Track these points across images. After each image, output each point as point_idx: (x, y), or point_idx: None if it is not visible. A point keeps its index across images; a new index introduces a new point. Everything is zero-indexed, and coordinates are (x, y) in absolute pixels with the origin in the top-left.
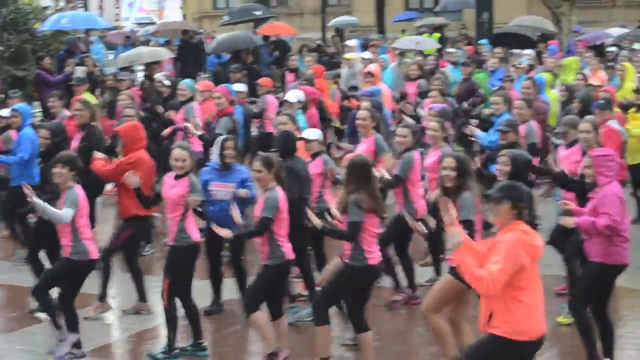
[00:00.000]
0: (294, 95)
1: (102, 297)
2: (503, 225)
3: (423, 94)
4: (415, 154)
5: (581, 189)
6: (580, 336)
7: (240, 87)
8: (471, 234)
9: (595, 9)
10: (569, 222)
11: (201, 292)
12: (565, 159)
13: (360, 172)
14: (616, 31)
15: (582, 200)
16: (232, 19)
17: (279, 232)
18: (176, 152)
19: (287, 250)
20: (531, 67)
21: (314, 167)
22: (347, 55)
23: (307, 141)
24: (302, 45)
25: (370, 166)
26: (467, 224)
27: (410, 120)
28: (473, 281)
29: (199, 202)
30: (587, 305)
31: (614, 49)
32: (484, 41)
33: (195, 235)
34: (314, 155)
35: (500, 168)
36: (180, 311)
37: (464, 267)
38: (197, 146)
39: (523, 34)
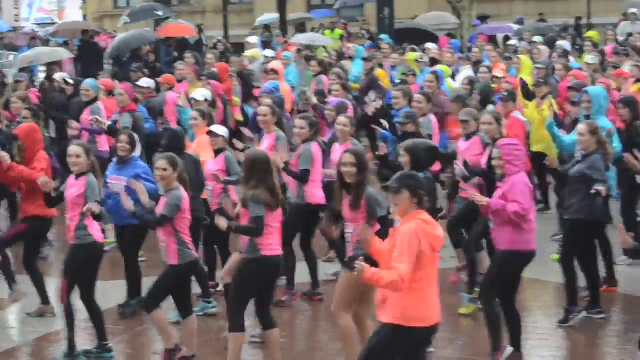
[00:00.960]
0: (201, 93)
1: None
2: (404, 215)
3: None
4: (314, 145)
5: (487, 179)
6: (487, 326)
7: (147, 82)
8: (387, 230)
9: (496, 3)
10: (482, 199)
11: (105, 293)
12: (466, 152)
13: (259, 168)
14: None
15: (490, 191)
16: (134, 20)
17: (184, 232)
18: (71, 148)
19: (193, 249)
20: (433, 62)
21: (217, 164)
22: (248, 53)
23: (214, 135)
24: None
25: (269, 161)
26: (382, 220)
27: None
28: (386, 287)
29: (96, 211)
30: (497, 295)
31: (514, 42)
32: (384, 36)
33: (97, 235)
34: (218, 152)
35: (401, 160)
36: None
37: (375, 282)
38: (104, 145)
39: (424, 30)
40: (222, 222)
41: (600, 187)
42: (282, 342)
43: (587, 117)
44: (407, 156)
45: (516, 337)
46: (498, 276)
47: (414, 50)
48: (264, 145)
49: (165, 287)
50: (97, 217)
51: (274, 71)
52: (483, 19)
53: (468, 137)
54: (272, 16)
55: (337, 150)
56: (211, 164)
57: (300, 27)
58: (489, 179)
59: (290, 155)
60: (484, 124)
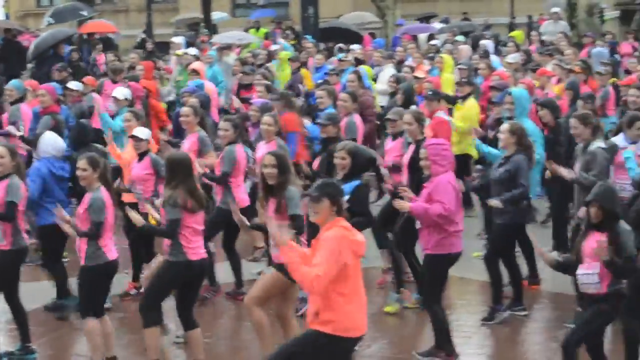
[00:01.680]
0: (121, 92)
1: None
2: (324, 223)
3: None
4: (238, 147)
5: (412, 179)
6: (434, 330)
7: (75, 85)
8: (300, 229)
9: (420, 3)
10: (404, 205)
11: (30, 294)
12: (390, 152)
13: (179, 170)
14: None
15: (416, 192)
16: (58, 20)
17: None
18: None
19: (109, 250)
20: (357, 61)
21: (142, 167)
22: (177, 52)
23: (137, 140)
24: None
25: (189, 163)
26: (296, 219)
27: None
28: (299, 279)
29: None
30: (439, 299)
31: (436, 41)
32: (308, 37)
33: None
34: (143, 155)
35: (339, 162)
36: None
37: (290, 265)
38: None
39: (349, 29)
40: (137, 220)
41: (493, 202)
42: (205, 342)
43: (510, 118)
44: (347, 158)
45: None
46: (433, 280)
47: (341, 49)
48: (186, 146)
49: (88, 291)
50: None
51: (195, 71)
52: (427, 18)
53: (394, 137)
54: (218, 15)
55: (261, 149)
56: (137, 168)
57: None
58: (414, 180)
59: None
60: (405, 123)
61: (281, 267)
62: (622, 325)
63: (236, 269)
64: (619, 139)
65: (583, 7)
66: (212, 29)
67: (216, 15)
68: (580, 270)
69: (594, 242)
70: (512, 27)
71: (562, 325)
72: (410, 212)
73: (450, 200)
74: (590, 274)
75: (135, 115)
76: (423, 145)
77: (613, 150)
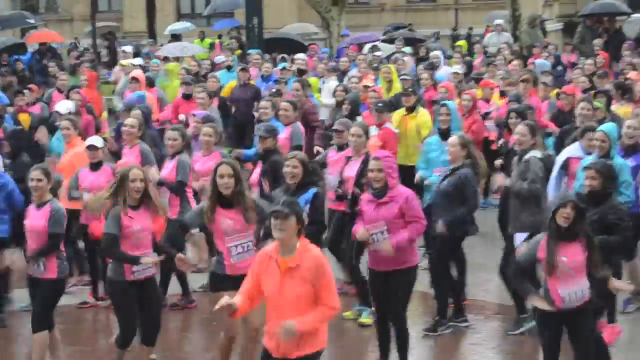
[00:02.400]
0: (64, 105)
1: None
2: (289, 241)
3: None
4: (187, 156)
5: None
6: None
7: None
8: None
9: (365, 14)
10: (387, 249)
11: None
12: (335, 163)
13: (119, 182)
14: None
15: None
16: (4, 26)
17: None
18: None
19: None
20: (301, 71)
21: (104, 176)
22: (123, 62)
23: (93, 149)
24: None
25: (126, 177)
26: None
27: None
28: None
29: None
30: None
31: (380, 52)
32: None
33: None
34: (98, 164)
35: (290, 171)
36: None
37: (309, 329)
38: None
39: (293, 40)
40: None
41: (440, 228)
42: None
43: (446, 130)
44: (299, 167)
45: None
46: (408, 294)
47: (284, 59)
48: (129, 158)
49: (46, 304)
50: None
51: (135, 79)
52: (397, 28)
53: (340, 148)
54: (182, 25)
55: (200, 161)
56: (94, 178)
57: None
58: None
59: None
60: (353, 135)
61: None
62: None
63: (182, 279)
64: (574, 149)
65: (525, 19)
66: (178, 39)
67: (179, 25)
68: (566, 289)
69: (576, 255)
70: (455, 38)
71: (504, 336)
72: (397, 248)
73: (422, 214)
74: (580, 290)
75: (74, 124)
76: (375, 157)
77: (549, 160)
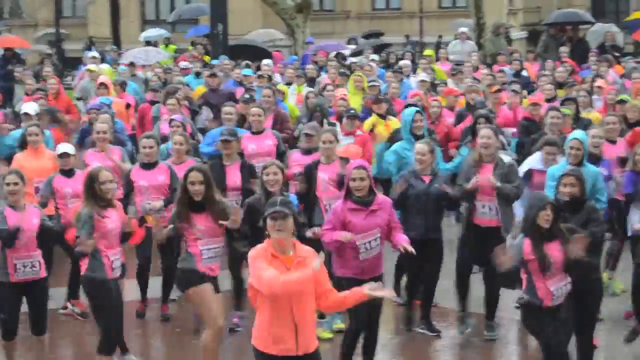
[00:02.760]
0: (31, 107)
1: None
2: (286, 241)
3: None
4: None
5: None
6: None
7: None
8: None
9: (329, 21)
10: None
11: None
12: (300, 166)
13: (89, 185)
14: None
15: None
16: None
17: None
18: None
19: None
20: (270, 78)
21: (77, 183)
22: (90, 67)
23: (65, 156)
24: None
25: (96, 179)
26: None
27: None
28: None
29: None
30: None
31: (353, 59)
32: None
33: None
34: (70, 171)
35: (272, 178)
36: None
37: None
38: None
39: (258, 46)
40: None
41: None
42: None
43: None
44: (279, 173)
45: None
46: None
47: (248, 66)
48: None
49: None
50: None
51: (104, 85)
52: (375, 35)
53: (308, 151)
54: (156, 32)
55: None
56: (72, 184)
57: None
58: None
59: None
60: (325, 142)
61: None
62: None
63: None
64: (535, 160)
65: (490, 27)
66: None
67: (153, 32)
68: (555, 285)
69: (558, 252)
70: (422, 46)
71: (468, 343)
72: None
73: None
74: (565, 285)
75: (41, 129)
76: (358, 166)
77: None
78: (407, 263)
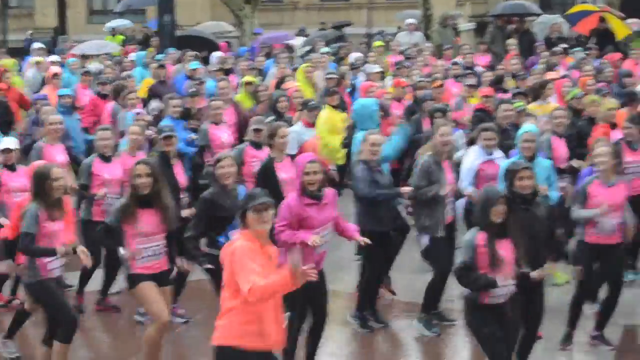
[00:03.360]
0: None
1: None
2: (266, 233)
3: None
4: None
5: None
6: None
7: None
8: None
9: (278, 12)
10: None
11: None
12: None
13: (39, 182)
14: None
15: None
16: None
17: None
18: None
19: None
20: (226, 71)
21: (21, 177)
22: (37, 59)
23: (7, 152)
24: None
25: (47, 176)
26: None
27: None
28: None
29: None
30: None
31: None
32: (171, 49)
33: None
34: (13, 166)
35: (227, 171)
36: None
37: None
38: None
39: (205, 37)
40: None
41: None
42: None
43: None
44: (235, 166)
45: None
46: None
47: (197, 57)
48: (59, 158)
49: None
50: None
51: (57, 76)
52: (340, 26)
53: (258, 145)
54: (121, 22)
55: (127, 161)
56: (18, 179)
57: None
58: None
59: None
60: (283, 137)
61: None
62: None
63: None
64: (477, 152)
65: (437, 18)
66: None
67: (118, 22)
68: (503, 282)
69: (508, 250)
70: (369, 37)
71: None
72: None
73: None
74: (508, 286)
75: None
76: (312, 160)
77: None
78: (374, 254)
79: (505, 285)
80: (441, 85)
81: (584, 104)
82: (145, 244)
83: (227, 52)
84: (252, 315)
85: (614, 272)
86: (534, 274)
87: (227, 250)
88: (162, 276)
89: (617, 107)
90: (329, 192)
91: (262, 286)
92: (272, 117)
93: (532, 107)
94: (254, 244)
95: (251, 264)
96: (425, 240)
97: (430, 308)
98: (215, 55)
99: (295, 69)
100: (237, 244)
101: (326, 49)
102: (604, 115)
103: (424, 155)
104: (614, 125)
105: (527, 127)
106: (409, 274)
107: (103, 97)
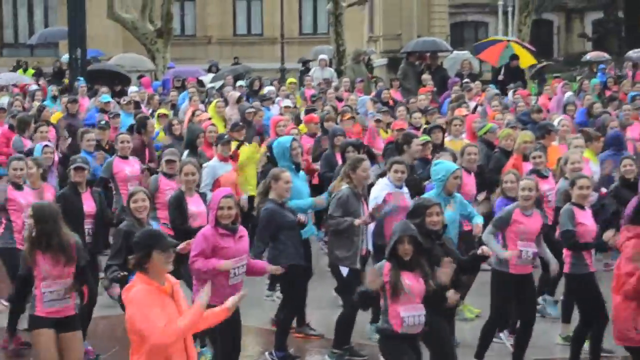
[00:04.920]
0: None
1: None
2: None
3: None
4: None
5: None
6: None
7: None
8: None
9: (191, 46)
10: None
11: None
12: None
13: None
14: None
15: None
16: None
17: None
18: None
19: None
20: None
21: None
22: None
23: None
24: None
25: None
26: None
27: None
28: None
29: None
30: None
31: (211, 85)
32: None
33: None
34: None
35: (142, 205)
36: None
37: None
38: None
39: (116, 71)
40: None
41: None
42: None
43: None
44: (147, 200)
45: None
46: None
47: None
48: None
49: None
50: None
51: None
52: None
53: (171, 176)
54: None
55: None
56: None
57: None
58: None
59: None
60: (187, 174)
61: None
62: None
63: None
64: (386, 184)
65: (350, 54)
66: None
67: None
68: (407, 312)
69: (417, 282)
70: (283, 72)
71: None
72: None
73: None
74: (419, 315)
75: None
76: (227, 195)
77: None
78: (296, 289)
79: (412, 315)
80: (352, 118)
81: (500, 137)
82: (48, 288)
83: (148, 87)
84: (161, 358)
85: (529, 302)
86: (450, 295)
87: (124, 296)
88: (67, 321)
89: (532, 139)
90: (241, 227)
91: (176, 328)
92: (186, 152)
93: (446, 141)
94: (150, 286)
95: (153, 310)
96: (344, 271)
97: (342, 343)
98: (134, 91)
99: (207, 103)
100: (134, 291)
101: (241, 82)
102: (518, 147)
103: (342, 188)
104: (525, 158)
105: (447, 163)
106: (322, 309)
107: (14, 129)
